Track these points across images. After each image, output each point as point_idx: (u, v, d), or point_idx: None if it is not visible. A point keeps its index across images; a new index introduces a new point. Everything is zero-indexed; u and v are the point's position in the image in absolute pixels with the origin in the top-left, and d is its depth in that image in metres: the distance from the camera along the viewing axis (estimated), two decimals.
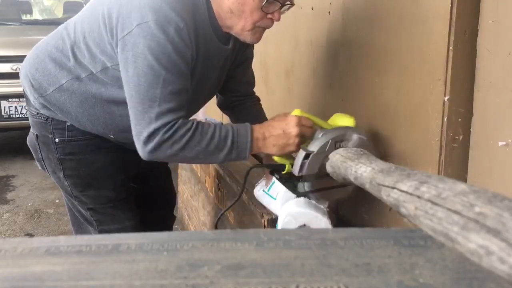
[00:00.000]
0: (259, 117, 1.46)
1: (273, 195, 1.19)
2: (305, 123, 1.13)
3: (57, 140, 1.31)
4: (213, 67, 1.27)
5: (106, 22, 1.14)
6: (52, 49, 1.26)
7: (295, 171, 1.08)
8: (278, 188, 1.19)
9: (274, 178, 1.23)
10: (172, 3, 1.08)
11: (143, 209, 1.53)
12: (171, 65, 1.09)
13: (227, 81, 1.40)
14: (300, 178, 1.12)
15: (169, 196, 1.75)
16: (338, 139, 1.07)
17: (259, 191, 1.27)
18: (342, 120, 1.16)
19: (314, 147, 1.06)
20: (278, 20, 1.18)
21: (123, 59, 1.10)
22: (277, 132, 1.13)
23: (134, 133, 1.12)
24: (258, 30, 1.19)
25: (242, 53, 1.39)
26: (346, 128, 1.10)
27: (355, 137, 1.07)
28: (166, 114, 1.09)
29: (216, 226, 1.40)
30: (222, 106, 1.56)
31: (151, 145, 1.09)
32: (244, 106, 1.52)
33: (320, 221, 1.07)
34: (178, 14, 1.08)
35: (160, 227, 1.54)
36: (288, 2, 1.18)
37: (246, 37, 1.19)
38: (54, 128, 1.30)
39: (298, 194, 1.15)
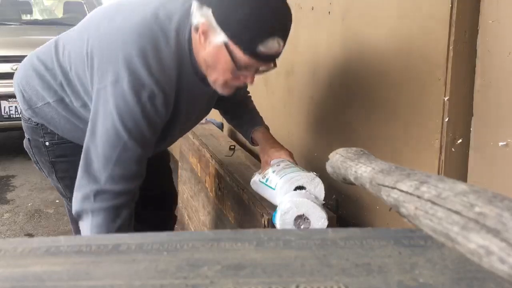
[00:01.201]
0: (253, 118, 1.48)
1: (272, 186, 1.20)
2: None
3: (47, 143, 1.32)
4: (198, 103, 1.28)
5: (88, 64, 1.14)
6: (41, 67, 1.27)
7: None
8: (275, 179, 1.20)
9: (270, 169, 1.24)
10: (151, 64, 1.07)
11: (143, 209, 1.53)
12: (136, 131, 1.09)
13: (218, 100, 1.41)
14: None
15: (170, 196, 1.75)
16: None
17: (256, 181, 1.28)
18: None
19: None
20: (252, 83, 1.15)
21: (94, 109, 1.11)
22: None
23: (77, 182, 1.12)
24: (229, 85, 1.15)
25: None
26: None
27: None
28: (117, 181, 1.09)
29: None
30: (219, 111, 1.58)
31: (86, 205, 1.10)
32: (237, 113, 1.53)
33: (318, 212, 1.08)
34: (153, 79, 1.07)
35: (161, 227, 1.54)
36: (264, 68, 1.12)
37: (217, 89, 1.17)
38: (45, 132, 1.31)
39: None
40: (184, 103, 1.19)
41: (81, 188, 1.11)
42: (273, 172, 1.23)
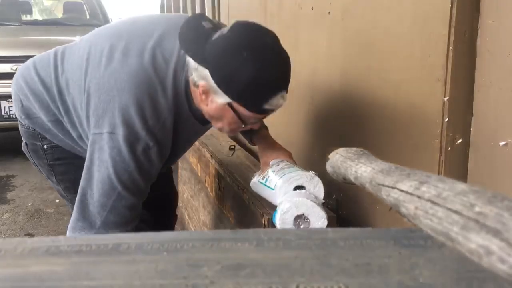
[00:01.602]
0: (265, 138, 1.43)
1: (271, 186, 1.20)
2: None
3: (45, 146, 1.32)
4: (196, 136, 1.33)
5: (85, 102, 1.14)
6: (39, 85, 1.25)
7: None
8: (274, 179, 1.20)
9: (269, 170, 1.24)
10: (147, 116, 1.08)
11: (143, 209, 1.53)
12: (130, 182, 1.10)
13: None
14: None
15: (170, 196, 1.75)
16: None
17: (255, 182, 1.29)
18: None
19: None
20: (257, 128, 1.18)
21: (90, 154, 1.12)
22: None
23: (71, 223, 1.13)
24: (236, 130, 1.19)
25: None
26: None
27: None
28: (111, 227, 1.11)
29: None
30: None
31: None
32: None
33: (318, 212, 1.08)
34: (149, 132, 1.08)
35: (161, 227, 1.54)
36: (268, 114, 1.13)
37: (223, 132, 1.20)
38: (42, 136, 1.32)
39: None
40: (182, 141, 1.22)
41: (77, 232, 1.12)
42: (272, 172, 1.23)
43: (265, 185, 1.24)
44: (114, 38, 1.18)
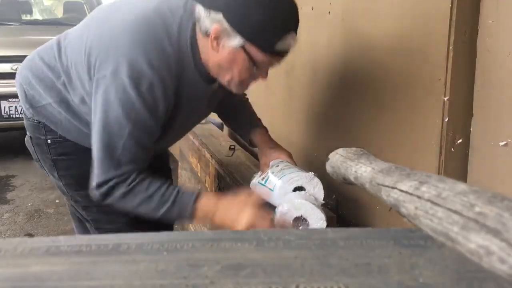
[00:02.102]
0: (252, 120, 1.47)
1: (271, 187, 1.20)
2: (260, 224, 1.06)
3: (49, 141, 1.32)
4: (200, 102, 1.28)
5: (85, 61, 1.14)
6: (43, 68, 1.27)
7: None
8: (274, 180, 1.20)
9: (269, 171, 1.24)
10: (150, 56, 1.07)
11: None
12: (139, 120, 1.10)
13: (218, 103, 1.41)
14: None
15: None
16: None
17: (255, 183, 1.29)
18: None
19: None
20: (265, 78, 1.16)
21: (94, 100, 1.12)
22: (225, 221, 1.11)
23: (93, 174, 1.16)
24: (245, 83, 1.17)
25: None
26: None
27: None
28: (126, 164, 1.12)
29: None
30: (217, 115, 1.59)
31: (103, 190, 1.13)
32: (235, 116, 1.53)
33: (317, 214, 1.08)
34: (153, 69, 1.07)
35: (161, 227, 1.54)
36: (278, 63, 1.14)
37: (232, 88, 1.18)
38: (47, 130, 1.31)
39: None
40: (185, 99, 1.19)
41: (104, 174, 1.13)
42: (272, 173, 1.23)
43: (264, 185, 1.23)
44: (113, 7, 1.21)
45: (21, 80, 1.33)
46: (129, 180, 1.12)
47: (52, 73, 1.25)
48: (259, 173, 1.33)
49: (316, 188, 1.15)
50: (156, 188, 1.14)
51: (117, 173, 1.12)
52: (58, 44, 1.27)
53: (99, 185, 1.13)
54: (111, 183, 1.12)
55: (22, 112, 1.38)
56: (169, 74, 1.11)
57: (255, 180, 1.30)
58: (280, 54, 1.10)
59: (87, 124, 1.23)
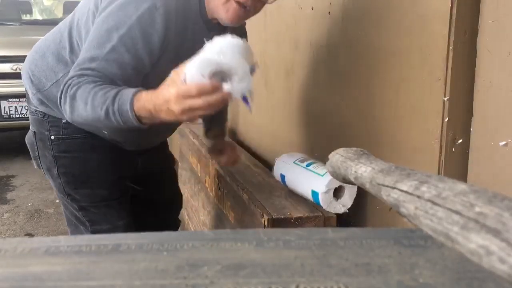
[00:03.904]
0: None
1: (320, 172, 1.18)
2: (189, 93, 0.94)
3: (52, 137, 1.32)
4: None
5: (92, 4, 1.18)
6: (51, 44, 1.30)
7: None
8: (320, 165, 1.21)
9: (304, 163, 1.29)
10: None
11: (146, 213, 1.53)
12: (128, 39, 1.08)
13: None
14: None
15: (176, 199, 1.74)
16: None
17: (293, 164, 1.29)
18: None
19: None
20: (249, 6, 1.12)
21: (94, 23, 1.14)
22: (161, 108, 0.98)
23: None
24: (232, 6, 1.12)
25: None
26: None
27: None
28: (93, 63, 1.07)
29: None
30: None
31: (67, 84, 1.09)
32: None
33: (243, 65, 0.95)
34: None
35: (162, 229, 1.54)
36: None
37: (221, 14, 1.15)
38: (51, 125, 1.32)
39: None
40: (187, 44, 1.17)
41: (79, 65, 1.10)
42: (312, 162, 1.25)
43: (310, 170, 1.26)
44: None
45: (27, 66, 1.35)
46: (83, 78, 1.07)
47: (61, 46, 1.28)
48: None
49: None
50: (102, 87, 1.06)
51: (84, 66, 1.08)
52: (64, 23, 1.32)
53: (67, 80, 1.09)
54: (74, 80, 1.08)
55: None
56: (175, 7, 1.12)
57: (290, 160, 1.35)
58: None
59: None
